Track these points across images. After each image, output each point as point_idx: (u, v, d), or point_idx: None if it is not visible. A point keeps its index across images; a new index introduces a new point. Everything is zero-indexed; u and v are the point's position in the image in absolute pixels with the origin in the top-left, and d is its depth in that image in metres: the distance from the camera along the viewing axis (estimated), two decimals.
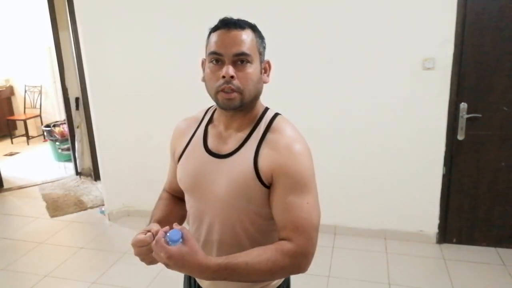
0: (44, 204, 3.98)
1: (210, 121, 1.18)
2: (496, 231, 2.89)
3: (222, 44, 1.01)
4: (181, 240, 0.93)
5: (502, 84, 2.67)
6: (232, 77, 1.00)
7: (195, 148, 1.15)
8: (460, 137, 2.79)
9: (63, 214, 3.74)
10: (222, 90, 1.01)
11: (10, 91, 6.65)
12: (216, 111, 1.17)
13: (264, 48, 1.10)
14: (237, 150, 1.08)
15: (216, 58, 1.02)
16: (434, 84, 2.76)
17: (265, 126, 1.09)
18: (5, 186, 4.46)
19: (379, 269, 2.71)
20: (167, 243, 0.92)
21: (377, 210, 3.07)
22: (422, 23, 2.69)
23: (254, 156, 1.05)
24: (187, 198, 1.20)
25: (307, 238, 1.01)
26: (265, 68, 1.10)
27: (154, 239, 0.95)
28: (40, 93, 6.36)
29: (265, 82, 1.10)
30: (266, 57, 1.12)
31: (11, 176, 4.75)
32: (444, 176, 2.89)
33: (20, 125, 6.51)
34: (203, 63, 1.11)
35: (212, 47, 1.03)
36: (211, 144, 1.14)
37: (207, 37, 1.08)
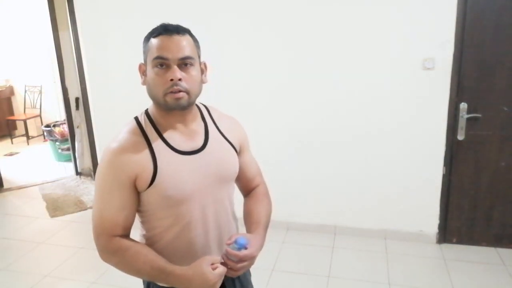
0: (44, 204, 3.98)
1: (154, 127, 1.14)
2: (496, 231, 2.89)
3: (167, 49, 1.07)
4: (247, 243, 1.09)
5: (502, 84, 2.67)
6: (180, 79, 1.06)
7: (168, 157, 1.11)
8: (460, 137, 2.79)
9: (63, 214, 3.74)
10: (171, 92, 1.07)
11: (10, 91, 6.66)
12: (158, 117, 1.14)
13: (200, 50, 1.16)
14: (207, 139, 1.19)
15: (161, 63, 1.07)
16: (434, 84, 2.76)
17: (207, 112, 1.25)
18: (5, 186, 4.46)
19: (379, 269, 2.71)
20: (238, 249, 1.06)
21: (377, 210, 3.07)
22: (422, 23, 2.69)
23: (222, 135, 1.22)
24: (179, 211, 1.13)
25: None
26: (202, 69, 1.17)
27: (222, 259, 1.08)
28: (40, 93, 6.36)
29: (204, 83, 1.17)
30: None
31: (11, 176, 4.75)
32: (444, 176, 2.89)
33: (20, 125, 6.51)
34: (140, 67, 1.16)
35: (157, 52, 1.07)
36: (181, 146, 1.14)
37: (145, 42, 1.12)
